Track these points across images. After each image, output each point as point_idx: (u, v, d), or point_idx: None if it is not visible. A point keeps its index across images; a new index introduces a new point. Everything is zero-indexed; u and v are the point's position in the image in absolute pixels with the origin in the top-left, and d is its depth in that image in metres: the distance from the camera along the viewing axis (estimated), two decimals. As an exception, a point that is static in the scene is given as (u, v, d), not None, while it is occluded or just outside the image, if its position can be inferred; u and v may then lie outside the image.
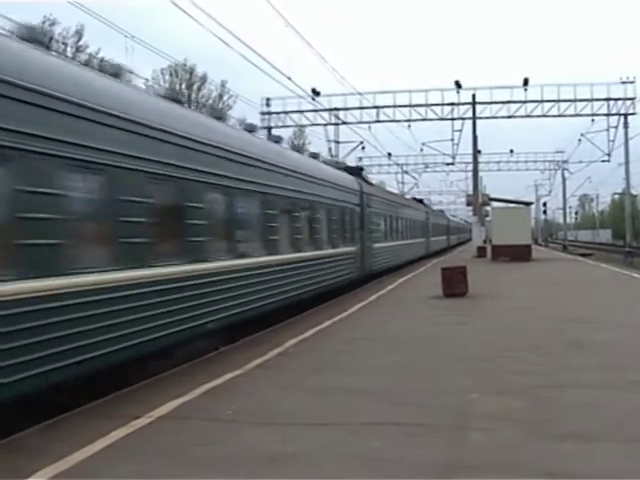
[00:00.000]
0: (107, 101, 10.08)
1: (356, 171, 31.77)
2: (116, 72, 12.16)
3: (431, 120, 50.22)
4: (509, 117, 49.59)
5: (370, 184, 32.32)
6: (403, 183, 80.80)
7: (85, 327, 9.05)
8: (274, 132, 51.06)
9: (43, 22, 49.31)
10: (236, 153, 14.66)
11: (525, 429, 7.35)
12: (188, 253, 12.01)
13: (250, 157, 15.49)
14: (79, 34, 51.41)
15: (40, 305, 8.25)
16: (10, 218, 7.99)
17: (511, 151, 73.58)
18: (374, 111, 49.75)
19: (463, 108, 49.59)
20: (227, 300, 13.50)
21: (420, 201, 60.26)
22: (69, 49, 50.23)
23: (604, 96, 48.47)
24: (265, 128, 50.62)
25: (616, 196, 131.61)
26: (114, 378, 9.80)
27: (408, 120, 50.58)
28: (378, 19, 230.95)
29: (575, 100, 48.18)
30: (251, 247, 15.33)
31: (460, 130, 52.08)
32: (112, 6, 64.43)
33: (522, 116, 49.42)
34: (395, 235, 37.13)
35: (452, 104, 49.50)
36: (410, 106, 49.50)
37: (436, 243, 61.32)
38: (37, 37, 9.82)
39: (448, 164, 62.78)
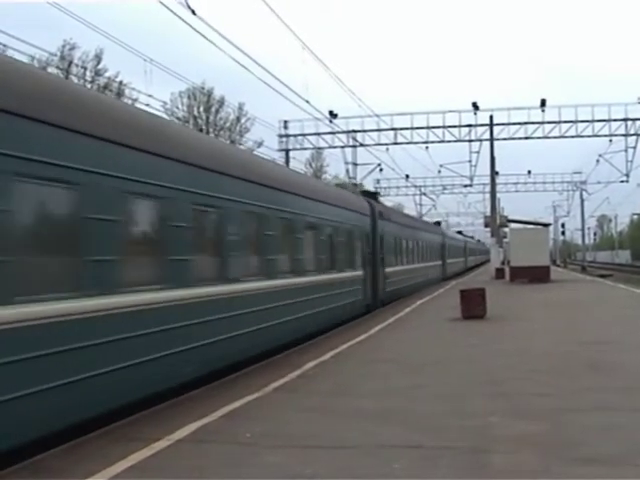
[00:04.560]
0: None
1: (370, 194, 31.72)
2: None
3: (449, 142, 50.30)
4: (526, 138, 49.53)
5: (384, 206, 32.33)
6: (421, 205, 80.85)
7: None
8: (292, 154, 51.31)
9: (63, 46, 49.91)
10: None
11: (547, 452, 7.29)
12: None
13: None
14: (98, 58, 51.96)
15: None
16: None
17: (529, 172, 73.64)
18: (392, 133, 49.87)
19: (481, 129, 49.65)
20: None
21: (438, 223, 63.30)
22: (88, 73, 50.69)
23: (622, 116, 48.34)
24: (282, 150, 50.81)
25: (635, 216, 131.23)
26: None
27: (426, 142, 50.69)
28: (395, 41, 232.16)
29: (593, 121, 48.05)
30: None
31: (478, 152, 52.10)
32: (131, 30, 65.14)
33: (540, 137, 49.37)
34: (410, 258, 36.37)
35: (469, 126, 49.53)
36: (428, 128, 49.56)
37: (453, 265, 61.00)
38: None
39: (466, 186, 62.78)
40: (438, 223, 65.21)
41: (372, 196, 31.82)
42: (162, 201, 10.70)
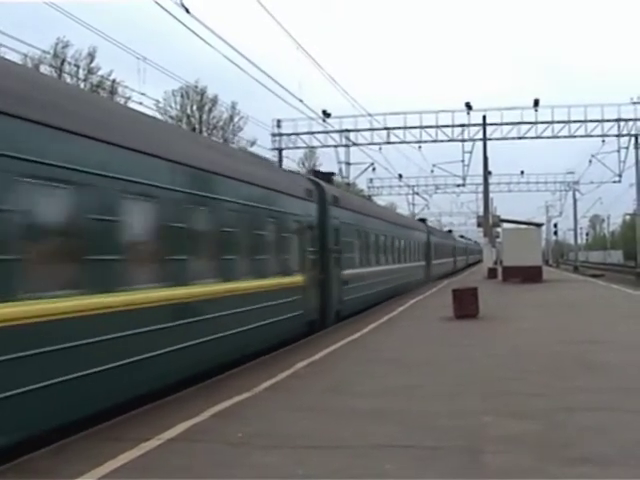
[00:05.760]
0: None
1: (423, 219, 58.42)
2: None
3: (442, 142, 50.39)
4: (519, 138, 49.66)
5: (432, 227, 58.46)
6: (414, 204, 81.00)
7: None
8: (285, 153, 51.26)
9: (56, 44, 49.77)
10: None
11: (539, 452, 7.25)
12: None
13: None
14: (91, 56, 51.85)
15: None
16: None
17: (522, 172, 73.74)
18: (385, 132, 49.88)
19: (474, 129, 49.76)
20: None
21: (449, 231, 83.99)
22: (81, 71, 50.53)
23: (615, 117, 48.51)
24: (275, 149, 50.74)
25: (627, 217, 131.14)
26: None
27: (419, 141, 50.75)
28: (389, 41, 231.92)
29: (586, 121, 48.19)
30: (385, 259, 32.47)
31: (471, 151, 52.21)
32: (124, 28, 64.94)
33: (533, 137, 49.52)
34: (439, 256, 55.51)
35: (463, 125, 49.61)
36: (421, 127, 49.61)
37: (459, 262, 78.41)
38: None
39: (459, 185, 62.97)
40: (450, 231, 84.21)
41: (423, 220, 56.66)
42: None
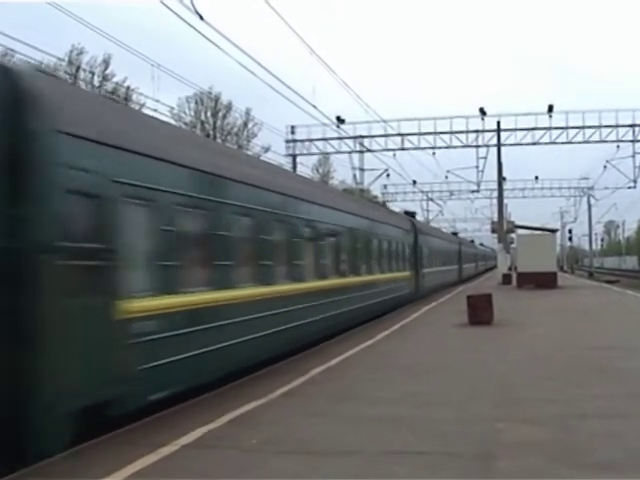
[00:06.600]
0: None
1: (456, 233, 74.23)
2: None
3: (456, 147, 50.31)
4: (534, 144, 49.51)
5: (463, 239, 74.98)
6: (428, 210, 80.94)
7: None
8: (299, 160, 51.33)
9: (71, 51, 50.04)
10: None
11: (553, 459, 7.28)
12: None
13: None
14: (106, 63, 52.00)
15: None
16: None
17: (536, 178, 73.50)
18: (399, 138, 49.88)
19: (488, 135, 49.71)
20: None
21: (472, 241, 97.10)
22: (96, 78, 50.77)
23: (629, 122, 48.30)
24: (290, 156, 50.81)
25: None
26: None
27: (433, 147, 50.69)
28: (402, 46, 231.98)
29: (600, 126, 48.04)
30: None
31: (485, 157, 52.15)
32: (137, 35, 65.14)
33: (547, 143, 49.37)
34: (466, 262, 67.15)
35: (477, 131, 49.55)
36: (435, 133, 49.57)
37: (480, 266, 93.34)
38: None
39: (473, 191, 62.91)
40: (472, 241, 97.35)
41: (456, 234, 72.19)
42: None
